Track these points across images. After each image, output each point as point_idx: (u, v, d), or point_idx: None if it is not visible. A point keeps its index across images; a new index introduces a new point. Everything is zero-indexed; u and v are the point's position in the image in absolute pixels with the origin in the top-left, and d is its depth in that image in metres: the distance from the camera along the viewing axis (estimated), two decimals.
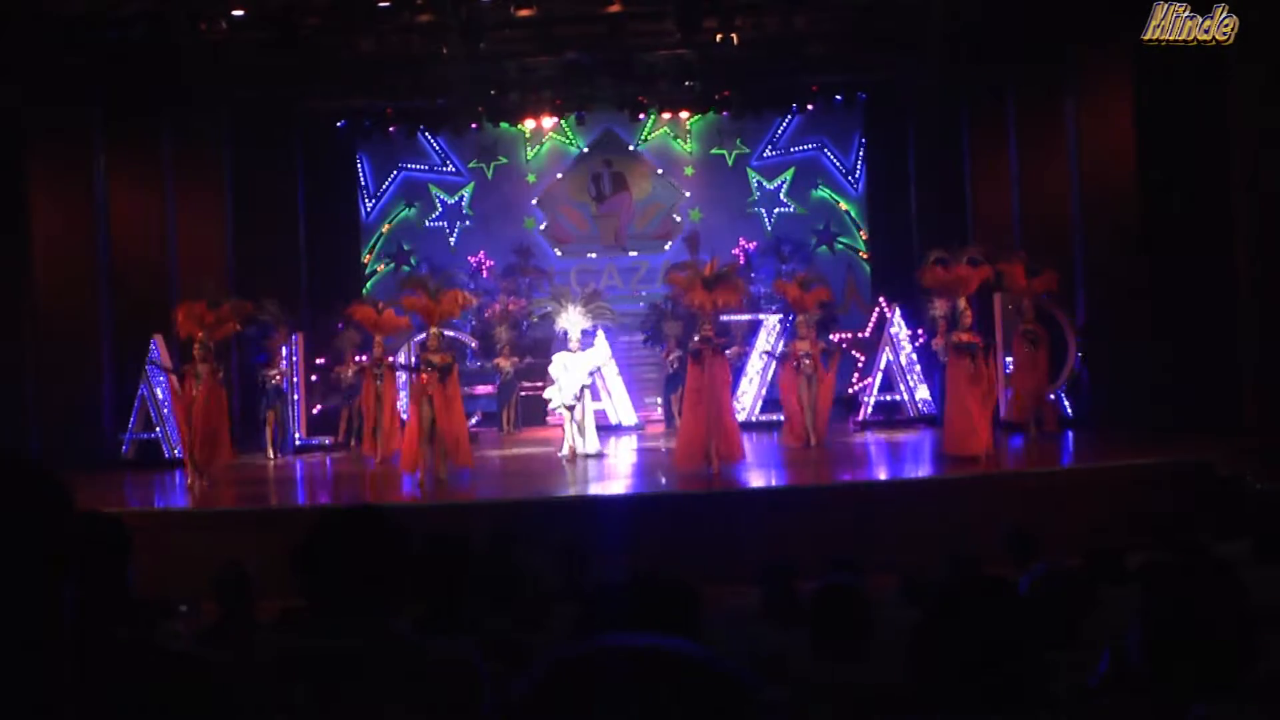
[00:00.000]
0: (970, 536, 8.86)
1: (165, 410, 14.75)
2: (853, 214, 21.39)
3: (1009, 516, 8.15)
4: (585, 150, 21.44)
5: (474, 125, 19.97)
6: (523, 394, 18.56)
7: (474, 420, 17.24)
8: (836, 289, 18.92)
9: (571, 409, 14.57)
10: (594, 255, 21.56)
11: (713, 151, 21.48)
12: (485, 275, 21.02)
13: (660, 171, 21.50)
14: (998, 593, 2.12)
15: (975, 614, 2.06)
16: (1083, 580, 4.42)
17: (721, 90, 19.05)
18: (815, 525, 9.91)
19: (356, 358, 16.87)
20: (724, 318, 14.96)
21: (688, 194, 21.51)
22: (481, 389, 18.50)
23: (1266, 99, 10.85)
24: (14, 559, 1.45)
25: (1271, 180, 10.87)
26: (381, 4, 14.12)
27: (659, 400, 18.60)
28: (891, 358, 16.64)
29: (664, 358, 17.85)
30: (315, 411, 17.56)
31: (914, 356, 16.56)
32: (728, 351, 13.28)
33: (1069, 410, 15.36)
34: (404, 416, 14.68)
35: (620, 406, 17.78)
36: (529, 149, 21.49)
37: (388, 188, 21.69)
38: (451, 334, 17.04)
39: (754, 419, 16.82)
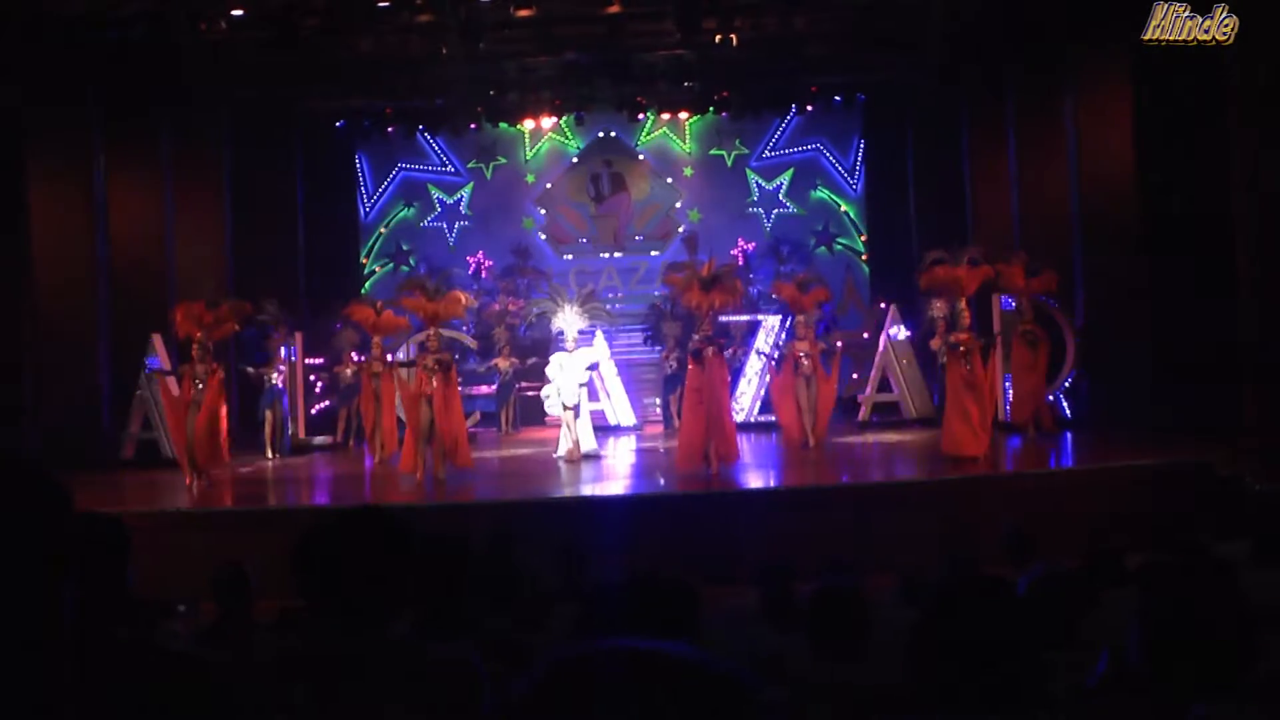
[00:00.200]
0: (969, 537, 8.89)
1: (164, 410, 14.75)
2: (852, 215, 21.39)
3: (1008, 517, 8.14)
4: (584, 150, 21.45)
5: (473, 125, 19.99)
6: (521, 394, 18.57)
7: (473, 421, 17.23)
8: (835, 290, 18.93)
9: (572, 409, 14.55)
10: (593, 256, 21.57)
11: (712, 152, 21.49)
12: (484, 275, 21.02)
13: (659, 173, 21.52)
14: (996, 593, 2.12)
15: (974, 614, 2.06)
16: (1081, 581, 4.42)
17: (720, 91, 19.06)
18: (814, 526, 9.90)
19: (355, 358, 16.87)
20: (722, 318, 14.95)
21: (686, 194, 21.52)
22: (480, 389, 18.50)
23: (1266, 99, 10.82)
24: (14, 559, 1.45)
25: (1271, 180, 10.84)
26: (381, 4, 14.13)
27: (657, 401, 18.61)
28: (891, 358, 16.64)
29: (663, 358, 17.84)
30: (314, 411, 17.56)
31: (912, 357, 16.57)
32: (725, 352, 13.27)
33: (1067, 411, 15.34)
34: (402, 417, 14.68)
35: (619, 407, 17.77)
36: (528, 149, 21.50)
37: (387, 188, 21.70)
38: (450, 334, 17.03)
39: (752, 419, 16.82)
